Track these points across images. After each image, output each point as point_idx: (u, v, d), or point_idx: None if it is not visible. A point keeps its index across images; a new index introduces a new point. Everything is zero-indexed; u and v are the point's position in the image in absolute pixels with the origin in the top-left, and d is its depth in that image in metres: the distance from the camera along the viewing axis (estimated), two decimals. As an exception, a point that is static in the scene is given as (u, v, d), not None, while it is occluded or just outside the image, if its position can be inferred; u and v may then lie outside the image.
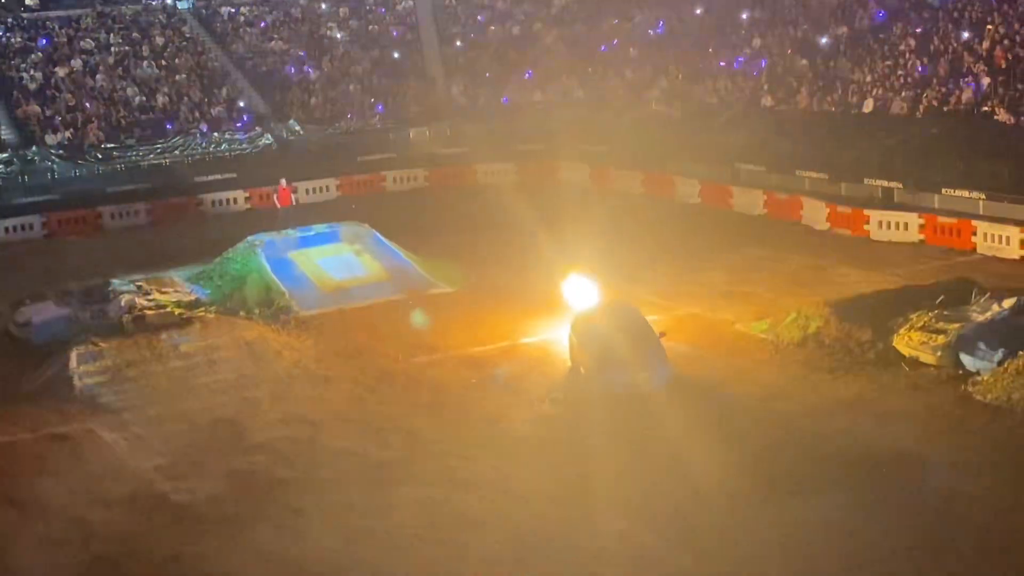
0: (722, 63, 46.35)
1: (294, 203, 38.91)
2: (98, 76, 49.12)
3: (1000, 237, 30.52)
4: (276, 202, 37.96)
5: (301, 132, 48.25)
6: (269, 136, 47.61)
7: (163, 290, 30.44)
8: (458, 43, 55.74)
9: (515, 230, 35.70)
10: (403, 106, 51.31)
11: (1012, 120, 33.59)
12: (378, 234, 32.78)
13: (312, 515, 17.87)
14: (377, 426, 21.43)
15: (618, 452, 19.38)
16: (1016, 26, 36.78)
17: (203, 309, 29.67)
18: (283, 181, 38.32)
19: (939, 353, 21.99)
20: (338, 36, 55.53)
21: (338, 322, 28.22)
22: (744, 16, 48.41)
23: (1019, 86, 34.45)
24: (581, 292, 25.81)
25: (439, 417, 21.67)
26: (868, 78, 39.62)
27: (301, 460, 20.10)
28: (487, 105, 51.66)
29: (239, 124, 48.26)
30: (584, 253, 31.44)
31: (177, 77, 50.14)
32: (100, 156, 45.01)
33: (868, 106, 38.67)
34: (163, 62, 51.02)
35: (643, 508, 17.25)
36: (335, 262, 31.40)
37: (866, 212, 34.14)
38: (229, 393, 23.84)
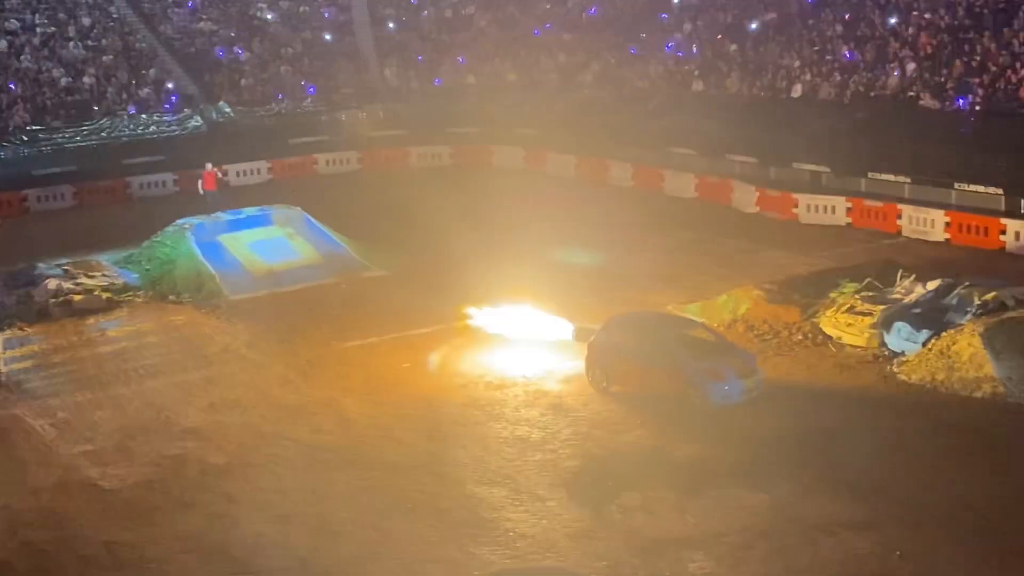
0: (653, 48, 46.54)
1: (219, 187, 38.36)
2: (23, 57, 48.22)
3: (925, 220, 31.04)
4: (200, 187, 37.40)
5: (231, 114, 47.74)
6: (198, 118, 47.05)
7: (90, 274, 30.14)
8: (391, 25, 55.41)
9: (449, 213, 35.65)
10: (335, 88, 50.95)
11: (937, 105, 34.13)
12: (310, 217, 32.61)
13: (244, 501, 17.79)
14: (310, 410, 21.36)
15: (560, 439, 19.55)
16: (942, 12, 37.33)
17: (131, 293, 29.50)
18: (208, 165, 37.92)
19: (865, 334, 22.37)
20: (268, 17, 54.96)
21: (270, 306, 28.08)
22: (675, 1, 48.69)
23: (944, 72, 34.99)
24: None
25: (372, 401, 21.64)
26: (797, 63, 40.02)
27: (232, 445, 19.98)
28: (420, 88, 51.49)
29: (168, 106, 47.65)
30: (518, 237, 31.65)
31: (104, 58, 49.35)
32: (25, 138, 44.22)
33: (797, 91, 39.08)
34: (90, 43, 50.20)
35: (578, 487, 17.39)
36: (266, 245, 31.22)
37: (794, 196, 34.55)
38: (158, 378, 23.65)
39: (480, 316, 25.20)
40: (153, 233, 31.96)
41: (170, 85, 49.03)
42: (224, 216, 32.46)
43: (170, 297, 29.10)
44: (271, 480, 18.49)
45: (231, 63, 51.35)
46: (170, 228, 31.73)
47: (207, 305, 28.36)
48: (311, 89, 50.45)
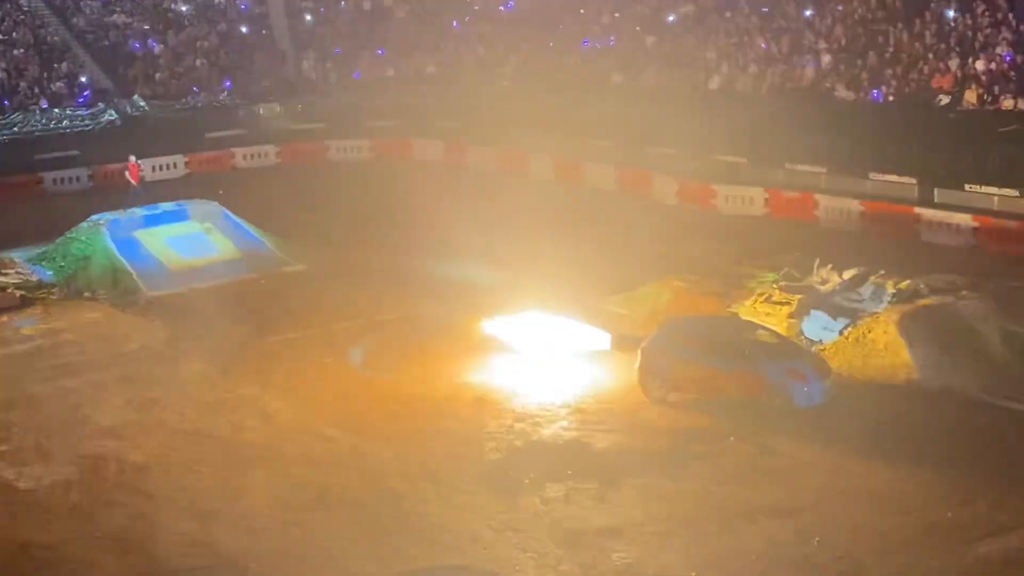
0: (572, 40, 46.69)
1: (142, 180, 37.86)
2: (-69, 50, 47.11)
3: (840, 210, 31.49)
4: (129, 178, 36.90)
5: (146, 108, 47.01)
6: (112, 112, 46.24)
7: (3, 272, 29.61)
8: (308, 17, 54.93)
9: (369, 207, 35.57)
10: (252, 81, 50.40)
11: (852, 97, 34.66)
12: (228, 212, 32.26)
13: (164, 499, 17.57)
14: (230, 407, 21.14)
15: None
16: (855, 4, 37.86)
17: (46, 291, 28.97)
18: (132, 157, 37.29)
19: (783, 323, 22.64)
20: (183, 9, 54.14)
21: (188, 302, 27.71)
22: (594, -7, 48.89)
23: (859, 63, 35.52)
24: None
25: (294, 397, 21.49)
26: (714, 55, 40.37)
27: (151, 444, 19.71)
28: (338, 81, 51.15)
29: (81, 100, 46.76)
30: (437, 230, 31.55)
31: (15, 52, 48.26)
32: (-64, 134, 43.25)
33: (715, 83, 39.44)
34: (0, 36, 49.09)
35: (501, 480, 17.41)
36: (184, 241, 30.81)
37: (713, 187, 34.87)
38: (75, 377, 23.23)
39: (402, 310, 25.12)
40: (67, 229, 31.38)
41: (83, 79, 48.12)
42: (140, 212, 31.97)
43: (85, 294, 28.65)
44: (191, 478, 18.28)
45: (145, 56, 50.56)
46: (85, 224, 31.18)
47: (124, 302, 27.95)
48: (227, 83, 49.87)
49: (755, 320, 22.09)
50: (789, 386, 18.99)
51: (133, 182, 36.70)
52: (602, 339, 22.65)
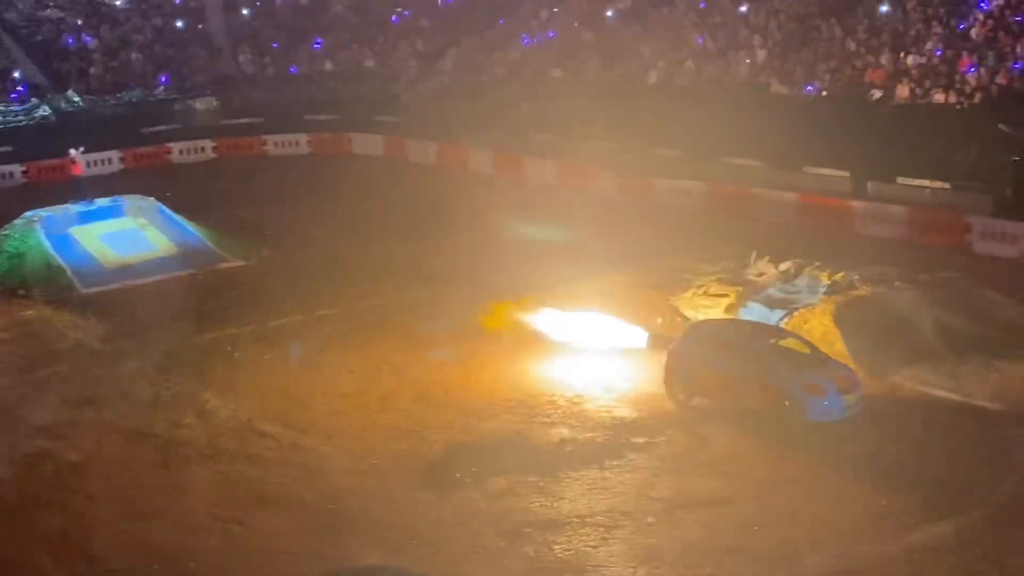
0: (512, 34, 46.76)
1: (84, 173, 37.20)
2: None
3: (776, 203, 31.75)
4: (73, 171, 36.34)
5: (80, 103, 46.45)
6: (46, 108, 45.65)
7: (-65, 270, 29.12)
8: (244, 11, 54.53)
9: (307, 202, 35.42)
10: (188, 76, 49.95)
11: (786, 91, 35.04)
12: (164, 207, 31.96)
13: (102, 498, 17.40)
14: (168, 404, 20.96)
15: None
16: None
17: (-21, 289, 28.55)
18: (72, 151, 36.71)
19: (726, 315, 22.87)
20: (117, 3, 53.53)
21: (124, 299, 27.45)
22: (533, -12, 48.98)
23: (793, 58, 35.92)
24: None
25: (232, 394, 21.32)
26: (651, 51, 40.62)
27: (88, 442, 19.48)
28: (276, 75, 50.81)
29: (14, 95, 46.12)
30: (375, 225, 31.56)
31: (-55, 46, 47.59)
32: None
33: (652, 78, 39.69)
34: (-71, 31, 48.35)
35: (444, 475, 17.44)
36: (119, 237, 30.50)
37: (652, 180, 35.06)
38: (9, 375, 22.95)
39: (343, 305, 25.02)
40: (1, 226, 30.92)
41: (16, 74, 47.46)
42: (75, 208, 31.58)
43: (19, 292, 28.26)
44: (129, 477, 18.11)
45: (79, 51, 49.91)
46: (18, 221, 30.76)
47: (59, 300, 27.62)
48: (163, 77, 49.36)
49: (790, 333, 20.85)
50: (805, 400, 18.07)
51: (76, 174, 35.98)
52: (639, 337, 21.92)
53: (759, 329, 20.82)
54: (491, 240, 30.30)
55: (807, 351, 19.41)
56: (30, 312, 27.07)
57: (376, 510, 16.60)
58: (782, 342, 19.71)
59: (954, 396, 19.23)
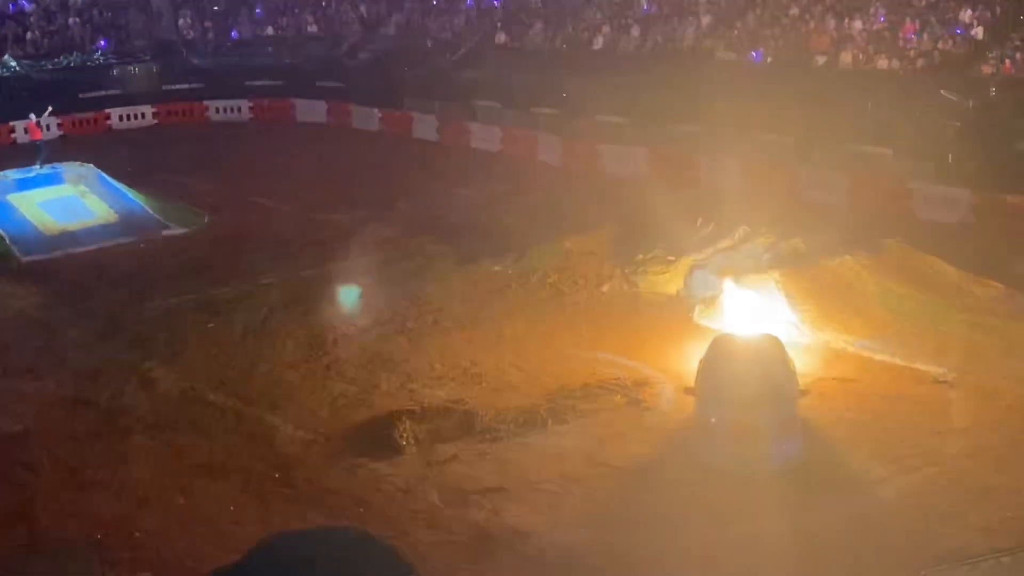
0: (455, -1, 46.56)
1: (43, 136, 36.29)
2: None
3: (721, 169, 31.86)
4: (28, 137, 35.52)
5: (18, 68, 45.58)
6: (-18, 72, 44.80)
7: None
8: (184, -25, 53.77)
9: (250, 170, 35.05)
10: (127, 40, 49.16)
11: (732, 57, 35.12)
12: (104, 175, 31.51)
13: (44, 469, 17.13)
14: (109, 374, 20.65)
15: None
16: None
17: (-86, 258, 28.05)
18: (32, 116, 35.87)
19: (669, 282, 22.98)
20: (55, -34, 52.53)
21: (64, 267, 27.09)
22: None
23: (738, 24, 36.00)
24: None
25: (175, 363, 21.07)
26: (598, 15, 40.53)
27: (29, 413, 19.17)
28: (216, 40, 50.17)
29: (-50, 60, 45.23)
30: (320, 193, 31.31)
31: None
32: None
33: (598, 43, 39.62)
34: None
35: (390, 442, 17.36)
36: (58, 205, 30.09)
37: (597, 147, 35.05)
38: (-54, 345, 22.56)
39: (286, 273, 24.81)
40: (-65, 194, 30.39)
41: (-50, 38, 46.50)
42: (11, 175, 31.10)
43: (-44, 260, 27.79)
44: (71, 447, 17.84)
45: (16, 15, 48.95)
46: (-45, 188, 30.26)
47: (-3, 268, 27.18)
48: (102, 42, 48.54)
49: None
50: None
51: (35, 139, 35.17)
52: None
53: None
54: (436, 208, 30.22)
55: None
56: (-33, 281, 26.61)
57: (322, 478, 16.52)
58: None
59: (897, 361, 19.41)
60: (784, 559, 13.78)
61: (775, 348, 16.82)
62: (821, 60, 33.30)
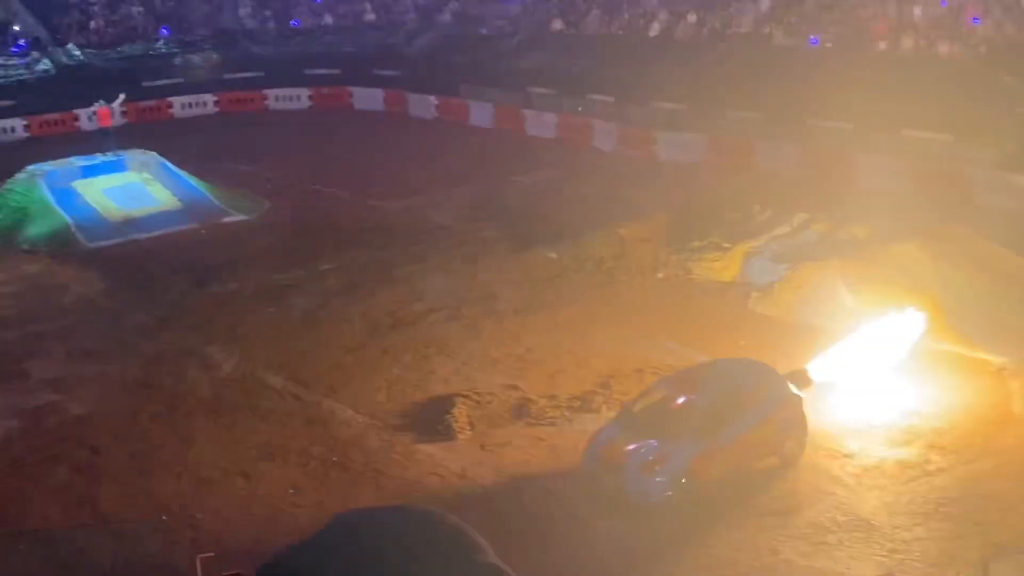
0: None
1: (113, 123, 36.79)
2: None
3: (778, 155, 31.65)
4: (98, 123, 36.03)
5: (81, 57, 46.22)
6: (47, 61, 45.44)
7: (-63, 224, 29.17)
8: (245, -36, 54.20)
9: (309, 157, 35.33)
10: (189, 29, 49.68)
11: (790, 43, 34.85)
12: (167, 162, 31.91)
13: (107, 452, 17.50)
14: (172, 358, 21.02)
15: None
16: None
17: (-18, 243, 28.62)
18: (101, 101, 36.37)
19: (725, 269, 22.92)
20: (118, -44, 53.19)
21: (127, 253, 27.51)
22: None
23: (797, 10, 35.72)
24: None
25: (235, 347, 21.38)
26: (654, 2, 40.38)
27: (93, 396, 19.59)
28: (276, 29, 50.55)
29: (15, 49, 45.91)
30: (377, 179, 31.54)
31: (-56, 0, 47.35)
32: None
33: (654, 30, 39.48)
34: (-71, -16, 48.04)
35: (445, 426, 17.50)
36: (122, 192, 30.49)
37: (653, 134, 34.93)
38: (14, 329, 23.05)
39: (346, 259, 24.99)
40: (3, 181, 30.91)
41: (16, 28, 47.21)
42: (77, 162, 31.53)
43: (23, 246, 28.28)
44: (135, 430, 18.20)
45: (80, 4, 49.65)
46: (21, 175, 30.75)
47: (62, 254, 27.65)
48: (164, 30, 49.11)
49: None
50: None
51: (101, 125, 35.62)
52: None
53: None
54: (491, 195, 30.32)
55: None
56: (34, 266, 27.10)
57: (379, 462, 16.75)
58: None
59: (957, 349, 19.23)
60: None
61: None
62: (881, 45, 32.96)
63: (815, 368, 17.18)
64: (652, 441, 15.42)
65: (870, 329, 18.44)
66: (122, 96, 35.46)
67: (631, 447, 15.48)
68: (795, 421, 16.15)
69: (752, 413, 15.73)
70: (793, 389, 16.35)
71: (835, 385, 17.50)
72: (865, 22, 33.95)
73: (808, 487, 15.48)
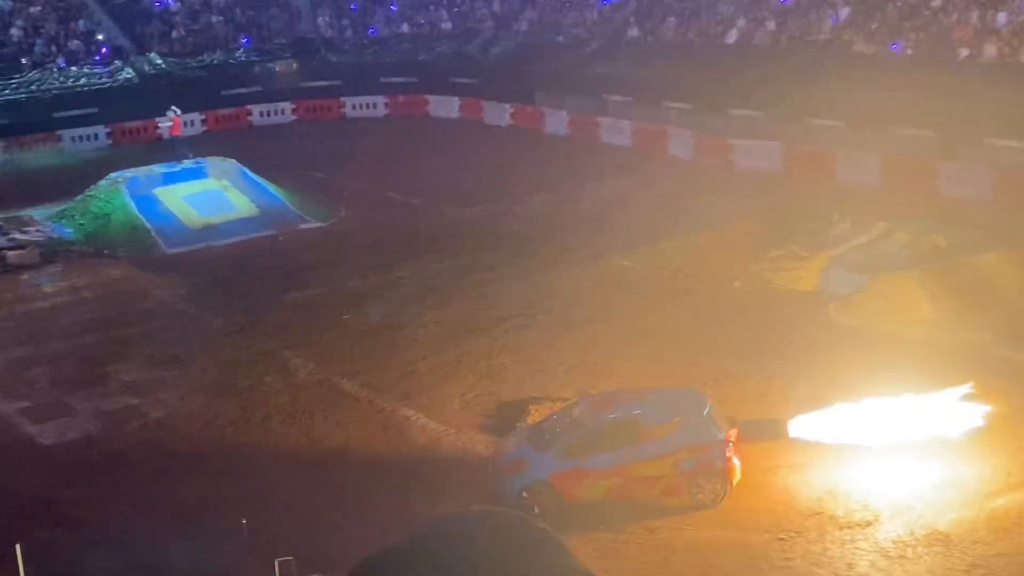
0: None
1: (183, 133, 37.32)
2: (-53, 9, 47.10)
3: (859, 164, 31.28)
4: (166, 133, 36.55)
5: (163, 65, 46.97)
6: (130, 70, 46.23)
7: (23, 229, 29.79)
8: (323, -26, 54.74)
9: (384, 164, 35.54)
10: (268, 38, 50.27)
11: (871, 50, 34.39)
12: (246, 169, 32.30)
13: (187, 456, 17.72)
14: (249, 363, 21.25)
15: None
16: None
17: (66, 248, 29.13)
18: (173, 110, 36.88)
19: (804, 278, 22.65)
20: (199, -34, 53.98)
21: (207, 259, 27.87)
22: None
23: (877, 16, 35.25)
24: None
25: (312, 353, 21.56)
26: (731, 9, 40.10)
27: (171, 400, 19.86)
28: (354, 37, 50.97)
29: (98, 58, 46.74)
30: (451, 187, 31.62)
31: (32, 10, 48.22)
32: (-48, 92, 43.28)
33: (732, 37, 39.19)
34: (16, -6, 49.05)
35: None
36: (202, 198, 30.91)
37: (730, 141, 34.66)
38: (95, 333, 23.41)
39: (421, 268, 25.07)
40: (86, 187, 31.50)
41: (100, 37, 48.06)
42: (158, 169, 32.04)
43: (105, 252, 28.78)
44: (212, 434, 18.42)
45: (161, 13, 50.45)
46: (103, 182, 31.33)
47: (143, 259, 28.09)
48: (244, 40, 49.76)
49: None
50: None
51: (171, 135, 36.13)
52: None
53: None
54: (565, 202, 30.28)
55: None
56: (116, 272, 27.55)
57: (454, 470, 16.73)
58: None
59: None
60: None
61: None
62: (964, 53, 32.39)
63: (805, 422, 16.04)
64: (526, 447, 16.17)
65: (913, 400, 16.24)
66: (174, 109, 35.66)
67: (509, 449, 16.41)
68: (710, 465, 15.50)
69: (648, 446, 15.55)
70: (716, 433, 15.67)
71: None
72: (947, 29, 33.40)
73: (886, 501, 15.22)
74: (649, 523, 15.20)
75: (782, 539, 14.59)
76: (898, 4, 35.04)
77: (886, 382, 16.60)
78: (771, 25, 38.28)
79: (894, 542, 14.35)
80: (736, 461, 15.53)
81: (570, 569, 9.47)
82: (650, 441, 15.58)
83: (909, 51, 33.69)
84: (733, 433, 15.72)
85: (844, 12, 36.37)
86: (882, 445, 15.84)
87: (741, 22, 39.24)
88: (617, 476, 15.47)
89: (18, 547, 12.72)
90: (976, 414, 15.94)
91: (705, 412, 15.95)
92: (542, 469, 15.61)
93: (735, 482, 15.52)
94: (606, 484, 15.48)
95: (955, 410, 15.93)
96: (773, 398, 18.07)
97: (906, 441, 15.80)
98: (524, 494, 15.47)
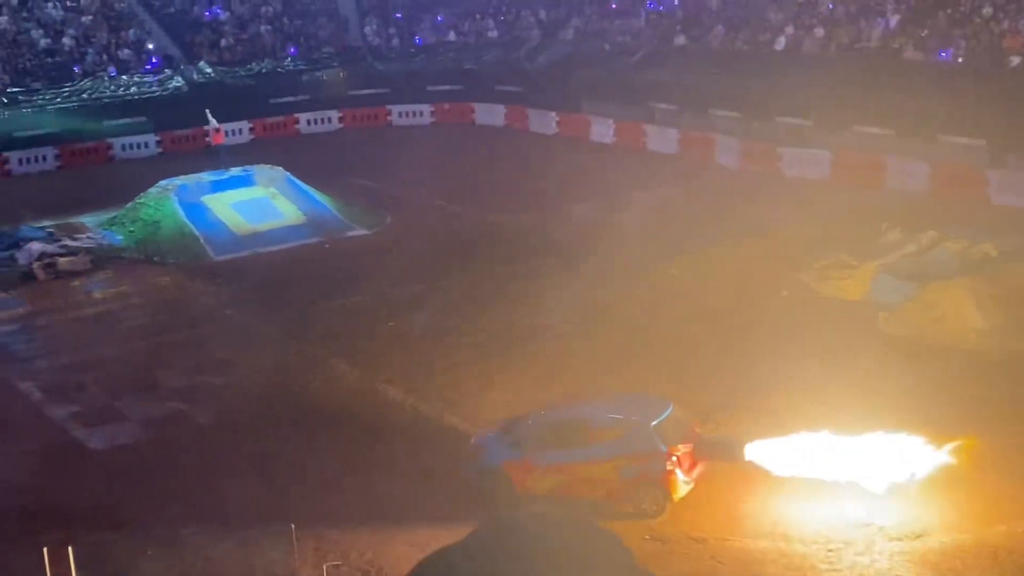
0: (635, 1, 46.33)
1: (224, 141, 37.61)
2: (2, 18, 47.70)
3: (908, 172, 30.99)
4: (211, 141, 36.90)
5: (212, 74, 47.40)
6: (179, 79, 46.69)
7: (74, 236, 30.17)
8: (370, -17, 55.00)
9: (430, 172, 35.61)
10: (315, 47, 50.61)
11: (921, 58, 34.10)
12: (293, 177, 32.51)
13: (235, 462, 17.81)
14: (295, 370, 21.36)
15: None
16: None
17: (116, 255, 29.46)
18: (213, 121, 37.16)
19: (852, 287, 22.48)
20: (247, -24, 54.42)
21: (254, 266, 28.07)
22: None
23: (927, 23, 34.95)
24: None
25: (357, 360, 21.65)
26: (779, 16, 39.89)
27: (219, 405, 20.00)
28: (400, 46, 51.20)
29: (148, 67, 47.26)
30: (497, 195, 31.66)
31: (83, 19, 48.85)
32: (5, 100, 43.81)
33: (780, 44, 38.98)
34: (69, 4, 49.63)
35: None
36: (249, 206, 31.13)
37: (778, 149, 34.47)
38: (144, 339, 23.64)
39: (466, 276, 25.11)
40: (136, 195, 31.83)
41: (150, 46, 48.59)
42: (207, 177, 32.31)
43: (154, 258, 29.08)
44: (258, 440, 18.50)
45: (211, 23, 50.92)
46: (153, 189, 31.64)
47: (191, 266, 28.35)
48: (292, 49, 50.11)
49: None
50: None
51: (215, 143, 36.35)
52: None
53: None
54: (612, 210, 30.19)
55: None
56: (164, 278, 27.83)
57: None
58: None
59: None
60: None
61: None
62: (1015, 61, 32.03)
63: (765, 447, 15.48)
64: (493, 435, 16.86)
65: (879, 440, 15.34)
66: (213, 121, 35.77)
67: (483, 435, 17.11)
68: (650, 476, 15.43)
69: (593, 448, 15.70)
70: (659, 444, 15.44)
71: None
72: (998, 37, 33.05)
73: (935, 513, 15.04)
74: (695, 533, 15.12)
75: (830, 550, 14.46)
76: (948, 12, 34.70)
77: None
78: (820, 32, 38.04)
79: (942, 555, 14.17)
80: (680, 475, 15.40)
81: (632, 570, 9.50)
82: (594, 444, 15.77)
83: (959, 59, 33.37)
84: (683, 448, 15.54)
85: (894, 20, 36.08)
86: (837, 481, 15.22)
87: (789, 29, 39.02)
88: (562, 474, 15.83)
89: (70, 550, 12.89)
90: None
91: (655, 422, 15.78)
92: (499, 456, 16.32)
93: (677, 496, 15.49)
94: (552, 480, 15.86)
95: (915, 456, 15.07)
96: (818, 411, 17.77)
97: (860, 480, 15.11)
98: (481, 476, 16.28)
